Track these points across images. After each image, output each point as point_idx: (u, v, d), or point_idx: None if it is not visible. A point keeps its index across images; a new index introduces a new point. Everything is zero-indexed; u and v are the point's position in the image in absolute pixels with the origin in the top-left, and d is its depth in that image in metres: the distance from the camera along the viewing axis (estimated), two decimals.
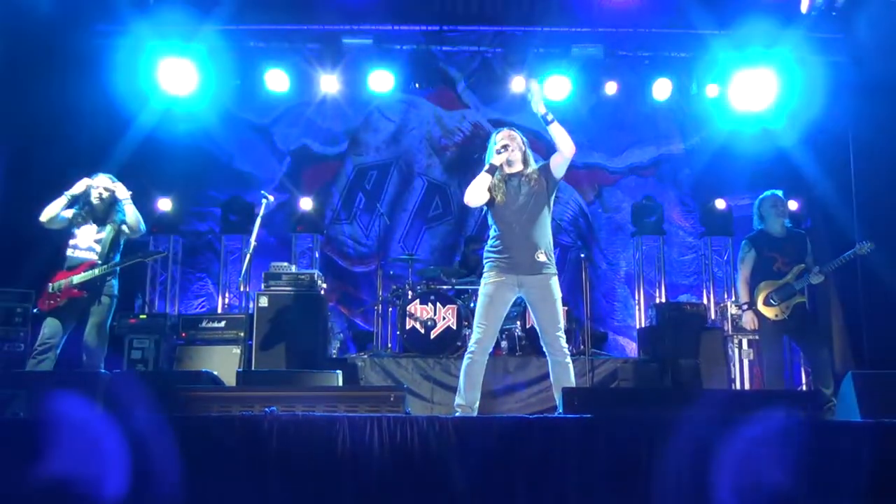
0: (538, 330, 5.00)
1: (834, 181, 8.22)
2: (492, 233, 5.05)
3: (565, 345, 4.91)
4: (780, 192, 6.17)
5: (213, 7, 7.67)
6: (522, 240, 4.89)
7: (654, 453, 3.56)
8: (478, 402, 4.92)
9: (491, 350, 5.01)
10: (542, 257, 4.90)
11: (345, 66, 8.51)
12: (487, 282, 4.93)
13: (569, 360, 4.89)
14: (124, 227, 5.84)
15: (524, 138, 5.10)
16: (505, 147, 4.95)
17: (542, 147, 9.80)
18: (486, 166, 4.92)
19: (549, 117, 4.93)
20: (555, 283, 4.92)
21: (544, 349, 4.96)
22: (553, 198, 5.06)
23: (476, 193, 4.92)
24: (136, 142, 8.27)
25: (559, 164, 5.00)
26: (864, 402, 4.29)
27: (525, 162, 5.04)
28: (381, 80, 8.50)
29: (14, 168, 7.51)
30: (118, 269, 5.78)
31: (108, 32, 8.06)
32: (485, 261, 5.04)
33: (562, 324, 4.93)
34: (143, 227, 5.91)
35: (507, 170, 5.03)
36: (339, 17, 8.13)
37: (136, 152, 8.25)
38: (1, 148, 7.41)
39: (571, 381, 4.87)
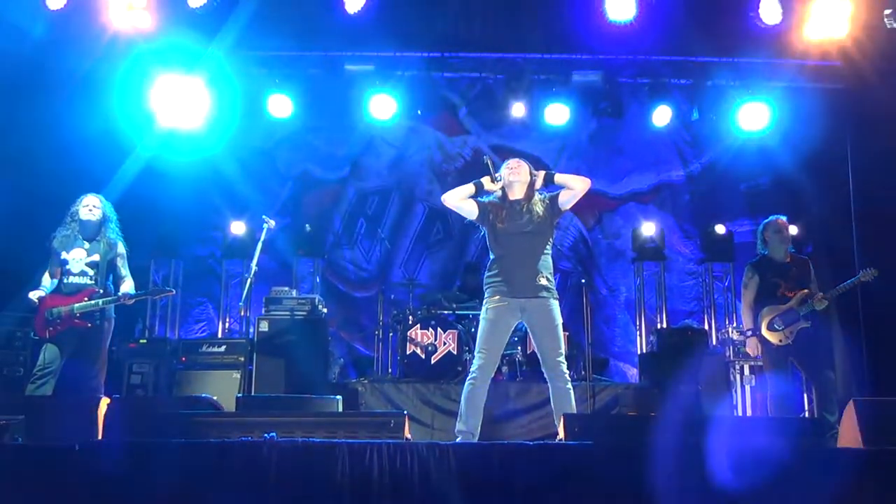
0: (539, 355, 5.01)
1: (834, 207, 8.24)
2: (491, 256, 5.08)
3: (566, 370, 4.91)
4: (783, 217, 6.19)
5: (218, 33, 7.72)
6: (523, 264, 4.93)
7: (656, 481, 3.54)
8: (479, 428, 4.90)
9: (492, 375, 5.00)
10: (543, 281, 4.93)
11: (346, 91, 8.55)
12: (489, 307, 4.95)
13: (570, 385, 4.89)
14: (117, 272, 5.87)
15: (532, 170, 5.16)
16: (511, 173, 5.09)
17: (545, 169, 9.89)
18: (476, 181, 5.09)
19: (552, 174, 5.09)
20: (556, 307, 4.95)
21: (545, 374, 4.96)
22: (555, 226, 5.14)
23: (453, 195, 5.09)
24: (139, 166, 8.30)
25: (568, 199, 5.09)
26: (866, 429, 4.27)
27: (528, 192, 5.10)
28: (383, 106, 8.53)
29: (15, 192, 7.53)
30: (119, 299, 5.76)
31: (112, 57, 8.11)
32: (485, 286, 5.05)
33: (563, 349, 4.94)
34: (131, 290, 5.91)
35: (510, 196, 5.09)
36: (341, 43, 8.19)
37: (138, 176, 8.29)
38: (5, 174, 7.44)
39: (572, 407, 4.86)
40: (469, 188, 5.10)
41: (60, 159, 7.67)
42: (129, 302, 5.80)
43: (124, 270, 5.91)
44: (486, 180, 5.10)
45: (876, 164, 7.75)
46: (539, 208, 5.04)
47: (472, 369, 4.95)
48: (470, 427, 4.85)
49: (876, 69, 7.51)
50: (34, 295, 5.67)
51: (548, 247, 5.05)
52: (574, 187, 5.05)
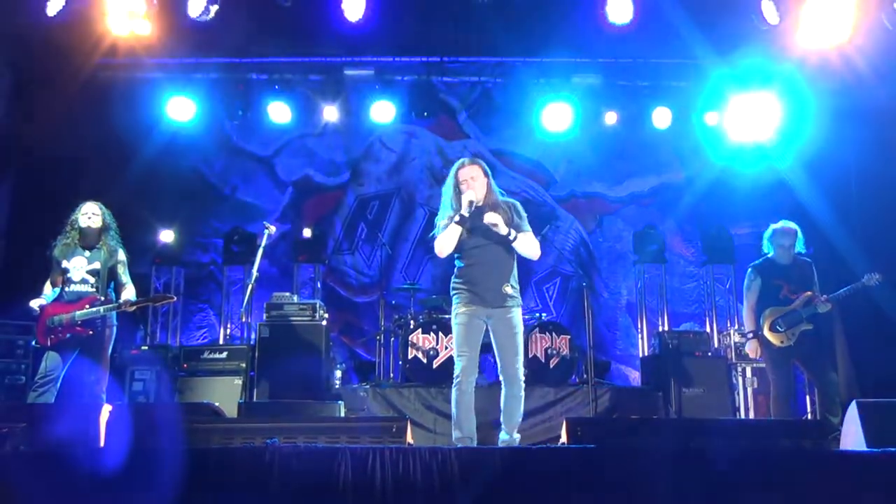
0: (498, 360, 5.00)
1: (836, 208, 8.23)
2: (458, 264, 5.05)
3: (522, 377, 4.96)
4: (793, 224, 6.17)
5: (217, 40, 7.74)
6: (490, 274, 4.93)
7: (658, 484, 3.53)
8: (475, 431, 4.92)
9: (476, 377, 4.99)
10: (508, 290, 4.95)
11: (346, 97, 8.58)
12: (458, 312, 4.96)
13: (522, 393, 4.96)
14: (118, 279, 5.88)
15: (486, 169, 5.07)
16: (469, 188, 4.92)
17: (543, 177, 9.92)
18: (456, 217, 4.88)
19: (512, 236, 4.93)
20: (518, 314, 5.00)
21: (501, 379, 4.98)
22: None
23: (448, 248, 4.94)
24: (140, 173, 8.32)
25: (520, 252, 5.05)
26: (869, 431, 4.26)
27: (488, 195, 5.00)
28: (383, 111, 8.55)
29: (19, 201, 7.55)
30: (120, 305, 5.76)
31: (113, 66, 8.14)
32: (452, 293, 5.04)
33: (521, 355, 4.96)
34: (132, 296, 5.89)
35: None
36: (341, 49, 8.21)
37: (139, 184, 8.31)
38: (7, 183, 7.46)
39: (520, 414, 4.95)
40: (457, 231, 4.91)
41: (61, 166, 7.69)
42: (131, 309, 5.80)
43: (125, 277, 5.92)
44: (465, 211, 4.89)
45: (876, 164, 7.76)
46: (503, 213, 4.96)
47: (455, 374, 4.92)
48: (466, 432, 4.85)
49: (875, 70, 7.51)
50: (35, 303, 5.68)
51: (513, 254, 5.03)
52: (524, 255, 5.03)
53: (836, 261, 7.81)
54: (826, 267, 7.61)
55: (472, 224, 4.95)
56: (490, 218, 4.85)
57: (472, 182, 4.95)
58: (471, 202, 4.85)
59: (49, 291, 5.78)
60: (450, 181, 5.06)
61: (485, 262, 4.94)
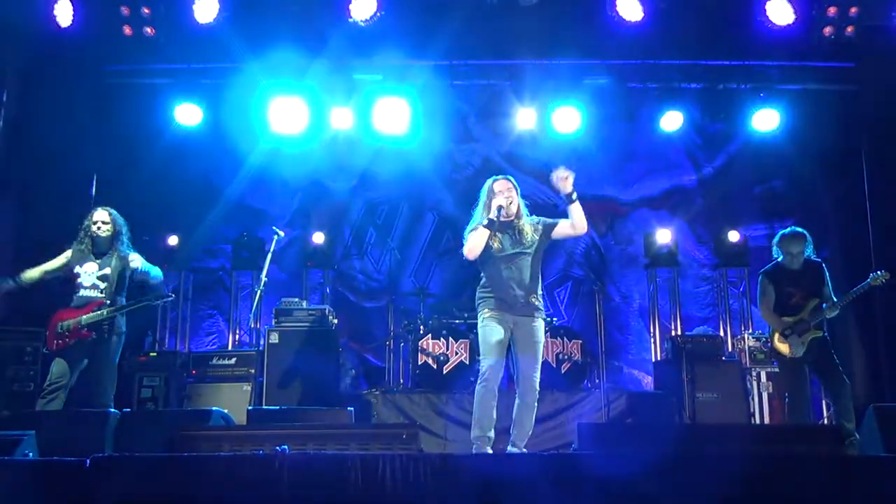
0: (516, 368, 5.18)
1: (850, 209, 8.17)
2: (484, 275, 5.25)
3: (538, 385, 5.12)
4: (801, 230, 6.08)
5: (224, 45, 7.73)
6: (517, 284, 5.11)
7: (671, 490, 3.48)
8: (493, 431, 5.03)
9: (501, 375, 5.13)
10: (534, 300, 5.15)
11: (356, 101, 8.53)
12: (485, 316, 5.15)
13: (536, 403, 5.12)
14: (142, 275, 5.90)
15: (518, 187, 5.33)
16: (506, 199, 5.17)
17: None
18: (485, 221, 5.14)
19: (574, 196, 5.09)
20: (542, 326, 5.19)
21: (517, 388, 5.15)
22: (544, 248, 5.30)
23: (477, 249, 5.14)
24: (148, 179, 8.32)
25: (564, 233, 5.24)
26: (887, 436, 4.21)
27: (518, 211, 5.24)
28: (392, 115, 8.50)
29: (27, 208, 7.55)
30: (120, 308, 5.78)
31: (120, 72, 8.16)
32: (479, 300, 5.24)
33: (539, 365, 5.13)
34: (159, 273, 5.96)
35: (503, 219, 5.20)
36: (350, 52, 8.18)
37: (147, 189, 8.31)
38: (13, 189, 7.46)
39: (531, 424, 5.10)
40: (486, 234, 5.14)
41: (69, 173, 7.69)
42: (133, 307, 5.86)
43: (147, 266, 5.98)
44: (493, 215, 5.15)
45: (891, 165, 7.69)
46: (529, 230, 5.21)
47: (481, 371, 5.09)
48: (485, 431, 4.99)
49: (889, 70, 7.45)
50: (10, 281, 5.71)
51: (539, 266, 5.23)
52: (576, 226, 5.15)
53: (851, 261, 7.75)
54: (841, 268, 7.55)
55: (502, 234, 5.17)
56: (561, 172, 5.02)
57: (507, 193, 5.21)
58: (500, 207, 5.09)
59: (31, 274, 5.77)
60: (484, 193, 5.31)
61: (513, 271, 5.12)
